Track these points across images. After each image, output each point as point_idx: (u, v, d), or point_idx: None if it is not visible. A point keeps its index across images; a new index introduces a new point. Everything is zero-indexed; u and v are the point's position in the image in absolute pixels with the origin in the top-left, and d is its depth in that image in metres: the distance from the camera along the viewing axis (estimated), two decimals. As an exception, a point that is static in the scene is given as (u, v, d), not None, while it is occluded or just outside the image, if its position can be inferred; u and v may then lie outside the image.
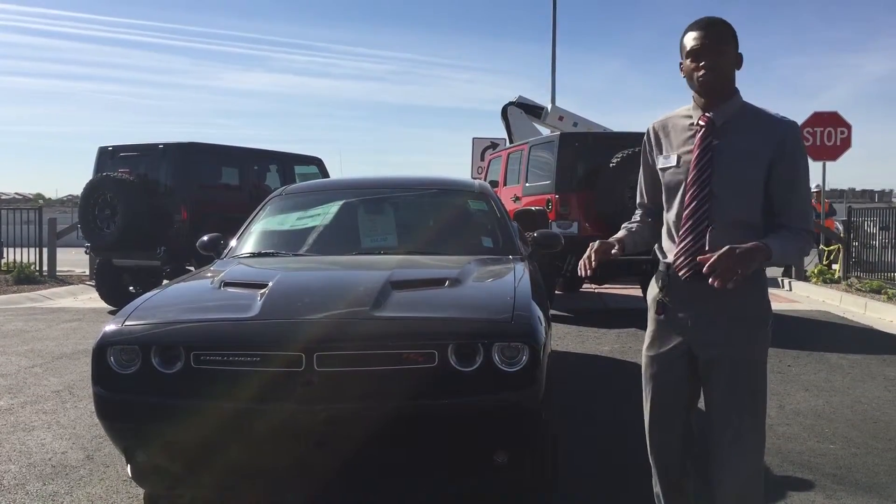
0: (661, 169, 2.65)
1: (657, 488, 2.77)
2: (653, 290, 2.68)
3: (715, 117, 2.52)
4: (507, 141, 16.83)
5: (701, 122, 2.53)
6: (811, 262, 14.22)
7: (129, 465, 3.23)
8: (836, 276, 13.12)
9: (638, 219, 2.85)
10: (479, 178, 12.93)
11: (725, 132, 2.51)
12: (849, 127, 14.06)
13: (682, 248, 2.53)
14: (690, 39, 2.49)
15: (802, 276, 13.38)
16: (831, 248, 14.32)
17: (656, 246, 2.71)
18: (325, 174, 12.59)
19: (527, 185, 10.63)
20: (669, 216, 2.63)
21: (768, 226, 2.50)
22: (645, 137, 2.75)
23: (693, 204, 2.51)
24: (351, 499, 3.52)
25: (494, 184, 11.65)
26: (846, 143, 14.07)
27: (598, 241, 2.66)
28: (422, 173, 6.87)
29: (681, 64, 2.56)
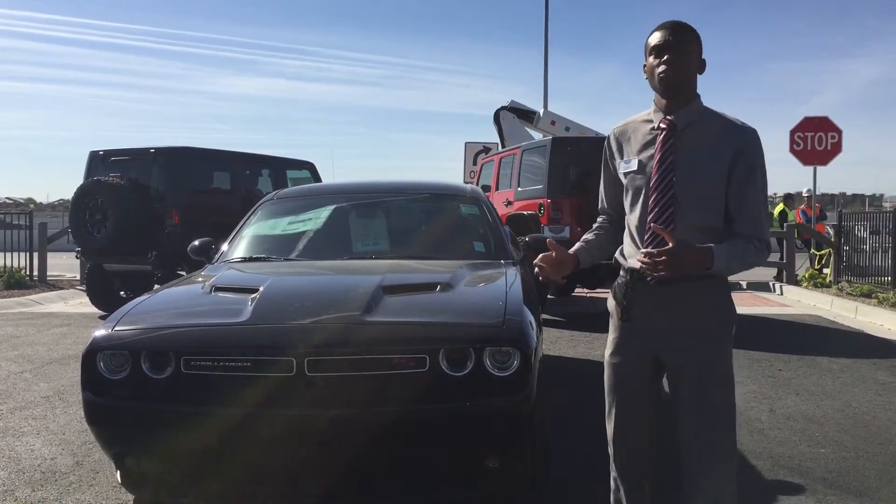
0: (623, 174, 2.64)
1: (620, 495, 2.76)
2: (615, 295, 2.66)
3: (677, 120, 2.51)
4: (500, 145, 16.85)
5: (662, 126, 2.53)
6: (802, 267, 14.27)
7: (118, 472, 3.21)
8: (827, 281, 13.16)
9: (597, 226, 2.83)
10: (472, 183, 12.94)
11: (687, 136, 2.50)
12: (839, 132, 14.13)
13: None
14: (655, 37, 2.51)
15: (793, 281, 13.43)
16: (822, 252, 14.37)
17: (618, 251, 2.70)
18: (317, 179, 12.58)
19: (519, 189, 10.64)
20: (631, 220, 2.61)
21: (728, 230, 2.52)
22: (606, 143, 2.75)
23: (656, 209, 2.50)
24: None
25: (487, 188, 11.66)
26: (837, 148, 14.13)
27: (543, 259, 2.61)
28: (414, 178, 6.84)
29: (644, 65, 2.57)
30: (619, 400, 2.67)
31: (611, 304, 2.69)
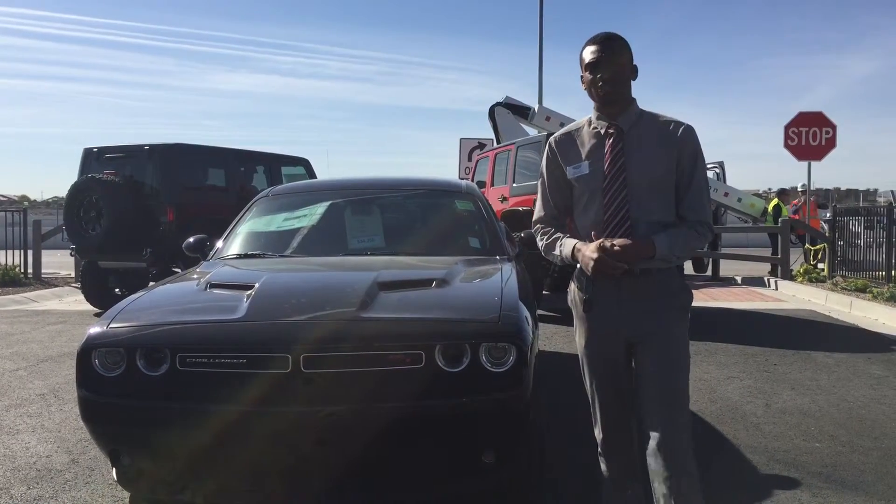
0: (573, 178, 2.76)
1: (612, 478, 2.89)
2: (575, 290, 2.81)
3: (622, 124, 2.70)
4: (495, 141, 16.84)
5: (610, 130, 2.71)
6: (796, 262, 14.30)
7: (114, 469, 3.21)
8: (821, 276, 13.18)
9: (554, 231, 2.86)
10: (467, 179, 12.93)
11: (632, 137, 2.70)
12: (833, 127, 14.15)
13: None
14: (588, 53, 2.68)
15: (788, 276, 13.45)
16: (817, 247, 14.40)
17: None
18: (312, 175, 12.56)
19: (514, 185, 10.63)
20: (585, 222, 2.75)
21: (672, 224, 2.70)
22: (547, 152, 2.87)
23: (612, 208, 2.66)
24: (338, 501, 3.51)
25: (482, 184, 11.65)
26: (831, 143, 14.15)
27: (597, 247, 2.61)
28: (409, 174, 6.86)
29: (581, 77, 2.73)
30: (599, 387, 2.81)
31: (571, 298, 2.84)
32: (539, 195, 2.94)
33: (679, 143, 2.68)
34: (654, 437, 2.64)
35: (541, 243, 2.90)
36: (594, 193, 2.70)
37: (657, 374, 2.67)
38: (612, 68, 2.65)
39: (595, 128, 2.76)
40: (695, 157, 2.70)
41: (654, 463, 2.63)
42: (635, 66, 2.74)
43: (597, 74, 2.66)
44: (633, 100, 2.75)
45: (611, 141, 2.70)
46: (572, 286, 2.84)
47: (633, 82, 2.75)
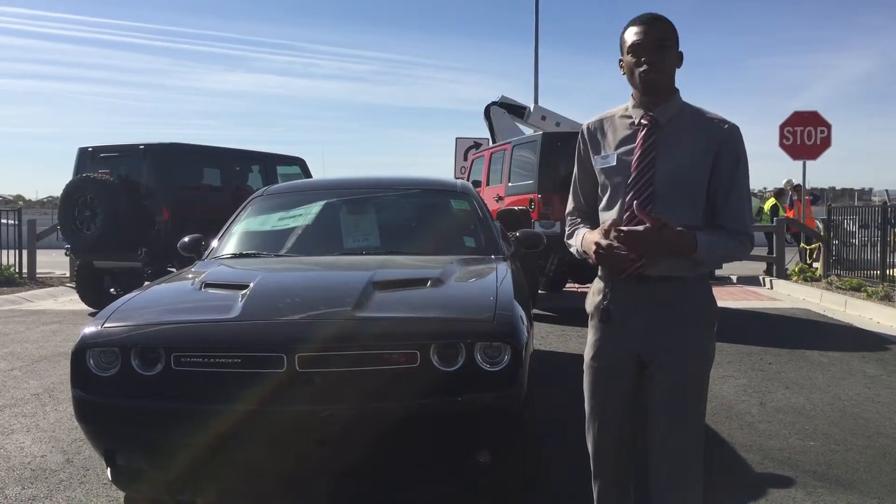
0: (600, 169, 2.53)
1: (603, 499, 2.64)
2: (594, 296, 2.55)
3: (658, 116, 2.44)
4: (490, 141, 16.85)
5: (644, 121, 2.45)
6: (791, 261, 14.33)
7: (108, 469, 3.21)
8: (816, 275, 13.22)
9: (581, 222, 2.65)
10: (462, 178, 12.94)
11: (668, 132, 2.43)
12: (829, 126, 14.18)
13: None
14: (632, 34, 2.41)
15: (783, 275, 13.48)
16: (812, 246, 14.43)
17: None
18: (307, 174, 12.55)
19: (509, 184, 10.64)
20: (607, 218, 2.49)
21: (710, 225, 2.45)
22: (580, 139, 2.64)
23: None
24: (333, 501, 3.51)
25: (477, 184, 11.65)
26: (826, 143, 14.19)
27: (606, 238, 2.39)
28: (404, 173, 6.85)
29: (620, 61, 2.48)
30: (600, 404, 2.55)
31: (589, 304, 2.59)
32: (571, 186, 2.69)
33: (719, 142, 2.41)
34: (658, 481, 2.44)
35: (566, 234, 2.68)
36: (618, 188, 2.46)
37: (670, 409, 2.42)
38: (658, 53, 2.37)
39: (630, 117, 2.50)
40: (736, 160, 2.42)
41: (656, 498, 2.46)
42: (680, 53, 2.46)
43: (640, 57, 2.38)
44: (676, 91, 2.48)
45: (643, 133, 2.43)
46: (592, 289, 2.58)
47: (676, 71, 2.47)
